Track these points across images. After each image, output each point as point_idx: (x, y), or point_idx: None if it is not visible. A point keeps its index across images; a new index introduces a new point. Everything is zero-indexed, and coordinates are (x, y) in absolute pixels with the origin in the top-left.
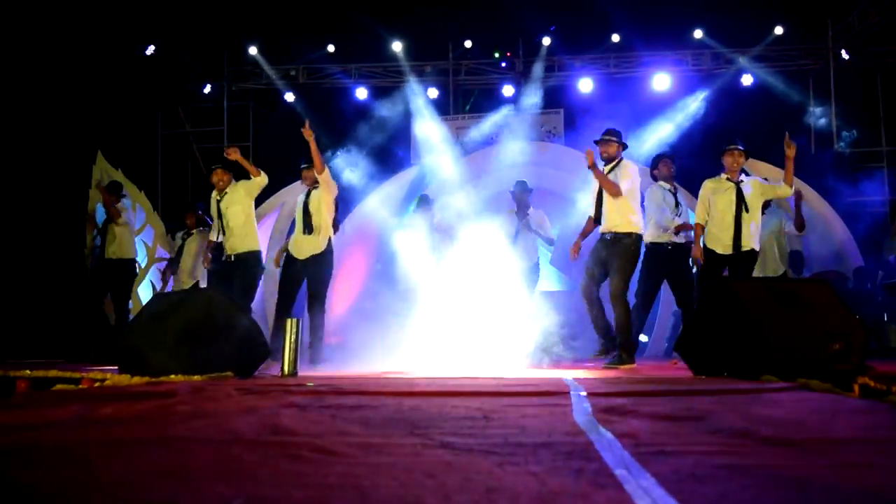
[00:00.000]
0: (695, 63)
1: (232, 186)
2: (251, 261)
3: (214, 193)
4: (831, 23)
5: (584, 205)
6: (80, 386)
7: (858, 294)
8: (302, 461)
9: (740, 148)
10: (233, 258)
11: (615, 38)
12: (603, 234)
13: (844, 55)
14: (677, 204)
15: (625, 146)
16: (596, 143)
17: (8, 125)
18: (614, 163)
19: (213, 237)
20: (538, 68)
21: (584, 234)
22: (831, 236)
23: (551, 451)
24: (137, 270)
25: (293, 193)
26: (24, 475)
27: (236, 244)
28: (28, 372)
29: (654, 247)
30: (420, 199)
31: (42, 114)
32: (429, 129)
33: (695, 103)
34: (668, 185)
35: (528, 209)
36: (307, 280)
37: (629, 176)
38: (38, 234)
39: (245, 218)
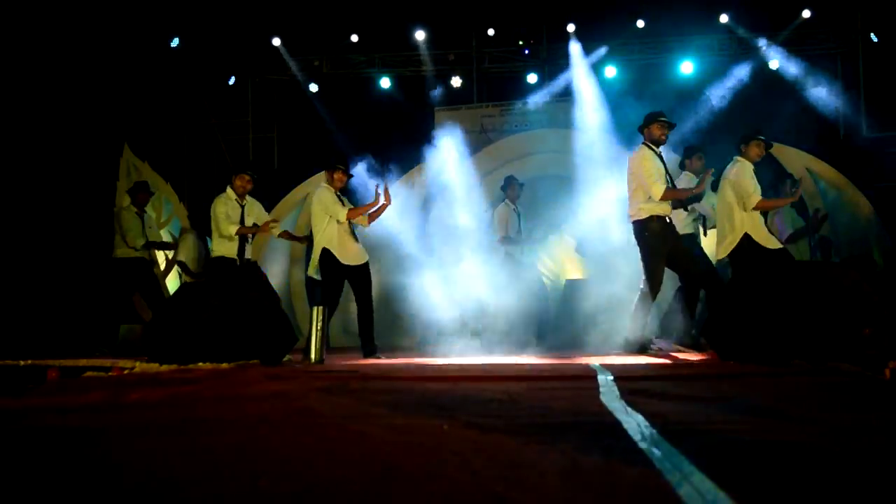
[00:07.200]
0: (721, 48)
1: (249, 198)
2: (258, 266)
3: (235, 197)
4: (860, 5)
5: (611, 192)
6: (110, 374)
7: (889, 278)
8: (328, 441)
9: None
10: (239, 262)
11: (640, 23)
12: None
13: (874, 38)
14: None
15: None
16: (669, 124)
17: (35, 118)
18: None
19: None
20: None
21: None
22: (860, 221)
23: (579, 431)
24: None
25: (315, 185)
26: (49, 457)
27: (250, 249)
28: (58, 361)
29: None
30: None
31: (69, 107)
32: (453, 117)
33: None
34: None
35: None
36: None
37: None
38: (65, 228)
39: None
